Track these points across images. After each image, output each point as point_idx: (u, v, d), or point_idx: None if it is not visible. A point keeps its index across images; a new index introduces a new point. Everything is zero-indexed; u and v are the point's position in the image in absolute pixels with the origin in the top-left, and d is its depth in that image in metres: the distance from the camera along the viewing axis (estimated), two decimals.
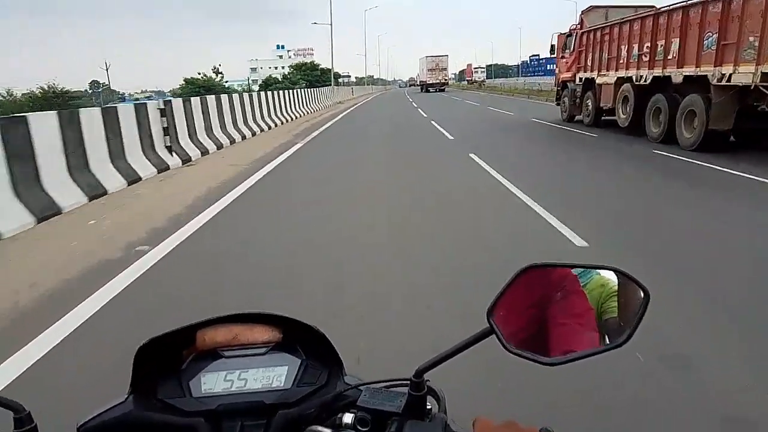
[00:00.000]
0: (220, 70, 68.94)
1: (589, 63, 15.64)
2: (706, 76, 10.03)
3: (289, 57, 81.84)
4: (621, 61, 13.59)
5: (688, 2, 10.80)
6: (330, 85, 63.39)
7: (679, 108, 10.97)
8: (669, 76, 11.38)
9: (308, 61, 79.12)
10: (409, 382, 0.74)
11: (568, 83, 17.21)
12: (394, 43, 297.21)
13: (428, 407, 0.74)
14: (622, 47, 13.50)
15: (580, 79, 16.28)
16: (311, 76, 71.22)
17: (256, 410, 0.74)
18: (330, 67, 74.67)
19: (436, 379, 0.75)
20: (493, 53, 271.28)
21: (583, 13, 16.35)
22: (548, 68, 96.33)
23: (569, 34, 17.61)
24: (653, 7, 15.04)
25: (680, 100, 11.08)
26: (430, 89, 62.94)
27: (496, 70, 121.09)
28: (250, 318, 0.80)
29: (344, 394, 0.77)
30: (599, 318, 0.73)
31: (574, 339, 0.72)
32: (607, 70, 14.32)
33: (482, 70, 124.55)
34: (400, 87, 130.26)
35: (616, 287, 0.74)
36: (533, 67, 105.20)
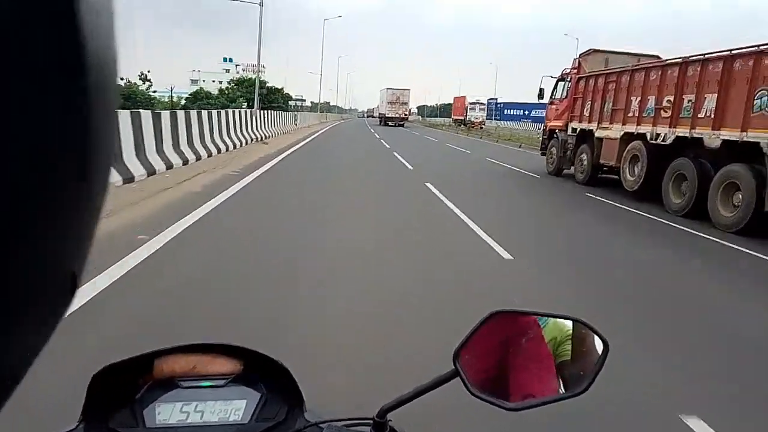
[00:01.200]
0: (148, 77, 58.16)
1: (585, 112, 13.72)
2: (759, 143, 8.05)
3: (237, 72, 71.17)
4: (630, 114, 11.65)
5: (733, 51, 8.90)
6: (279, 107, 58.30)
7: (714, 178, 8.95)
8: (699, 138, 9.40)
9: (252, 76, 69.37)
10: (372, 421, 0.75)
11: (557, 132, 15.25)
12: (353, 69, 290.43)
13: None
14: (633, 98, 11.57)
15: (574, 129, 14.33)
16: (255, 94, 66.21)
17: None
18: (280, 87, 67.41)
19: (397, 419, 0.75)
20: (441, 93, 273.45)
21: (581, 56, 14.53)
22: (506, 113, 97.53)
23: (561, 78, 15.76)
24: (657, 57, 13.46)
25: (714, 168, 9.09)
26: (389, 123, 60.61)
27: (446, 110, 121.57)
28: (211, 348, 0.78)
29: (304, 431, 0.75)
30: (555, 361, 0.76)
31: (534, 385, 0.76)
32: (611, 123, 12.36)
33: (482, 106, 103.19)
34: (358, 117, 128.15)
35: (570, 332, 0.77)
36: (490, 109, 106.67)
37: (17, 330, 0.22)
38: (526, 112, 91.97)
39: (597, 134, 12.89)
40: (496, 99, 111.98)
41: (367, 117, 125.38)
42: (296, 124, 33.98)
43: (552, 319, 0.78)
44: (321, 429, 0.76)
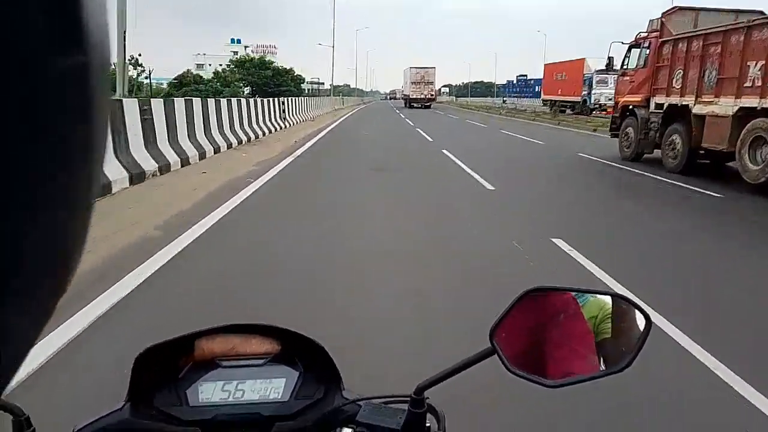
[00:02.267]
0: (139, 62, 49.14)
1: (675, 84, 11.19)
2: None
3: (247, 55, 62.91)
4: (748, 84, 9.13)
5: None
6: (288, 92, 50.31)
7: None
8: None
9: (257, 56, 58.22)
10: (409, 399, 0.75)
11: (635, 109, 12.73)
12: (372, 49, 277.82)
13: (428, 425, 0.75)
14: (751, 64, 9.06)
15: (658, 105, 11.83)
16: (259, 77, 52.69)
17: (253, 422, 0.74)
18: (289, 68, 58.15)
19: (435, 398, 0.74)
20: (470, 72, 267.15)
21: (664, 15, 11.92)
22: (536, 90, 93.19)
23: (635, 44, 13.20)
24: (761, 12, 10.89)
25: None
26: (414, 104, 57.27)
27: (476, 89, 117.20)
28: (249, 329, 0.79)
29: (342, 408, 0.76)
30: (595, 339, 0.75)
31: (574, 362, 0.74)
32: (717, 96, 9.85)
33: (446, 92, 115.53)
34: (381, 100, 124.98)
35: (610, 309, 0.75)
36: (520, 87, 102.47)
37: (11, 321, 0.23)
38: (495, 91, 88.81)
39: (695, 110, 10.39)
40: (526, 75, 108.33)
41: (390, 99, 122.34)
42: (288, 119, 20.31)
43: (592, 297, 0.77)
44: (359, 406, 0.77)
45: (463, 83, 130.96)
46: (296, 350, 0.78)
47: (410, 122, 28.08)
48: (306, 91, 40.95)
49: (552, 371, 0.73)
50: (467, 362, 0.73)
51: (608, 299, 0.76)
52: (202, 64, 73.68)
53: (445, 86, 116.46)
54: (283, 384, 0.76)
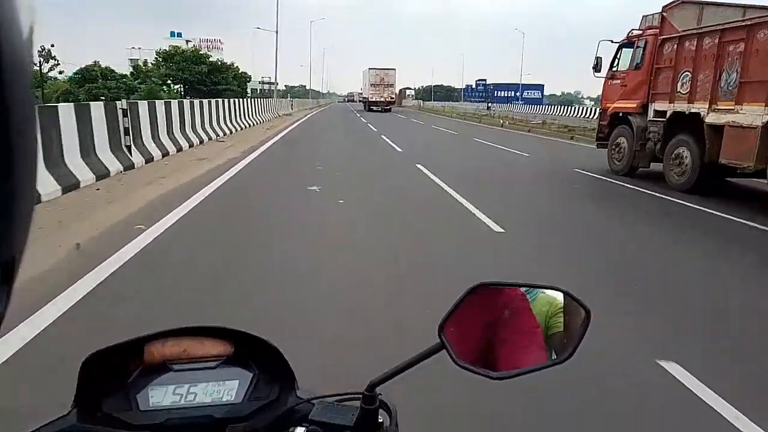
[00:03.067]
0: (52, 54, 40.81)
1: (681, 88, 9.56)
2: None
3: (178, 47, 55.21)
4: None
5: None
6: (227, 91, 44.54)
7: None
8: None
9: (189, 48, 50.35)
10: (361, 395, 0.75)
11: (629, 117, 11.08)
12: (330, 45, 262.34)
13: (380, 420, 0.75)
14: None
15: (659, 112, 10.19)
16: (191, 73, 45.41)
17: (205, 424, 0.72)
18: (230, 63, 52.18)
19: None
20: (433, 75, 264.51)
21: (665, 9, 10.29)
22: (496, 95, 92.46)
23: (627, 43, 11.59)
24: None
25: None
26: (373, 108, 55.22)
27: (437, 92, 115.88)
28: (201, 331, 0.77)
29: (296, 408, 0.76)
30: (546, 332, 0.76)
31: (522, 355, 0.76)
32: (740, 103, 8.22)
33: (411, 96, 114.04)
34: (339, 102, 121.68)
35: (562, 304, 0.77)
36: (479, 91, 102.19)
37: None
38: (517, 94, 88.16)
39: (709, 119, 8.75)
40: (485, 80, 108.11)
41: (348, 101, 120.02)
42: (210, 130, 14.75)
43: (542, 291, 0.78)
44: (312, 405, 0.77)
45: (423, 87, 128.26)
46: (250, 352, 0.78)
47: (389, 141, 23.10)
48: (257, 92, 36.12)
49: (501, 365, 0.75)
50: (417, 358, 0.74)
51: (560, 295, 0.77)
52: (136, 59, 64.17)
53: (409, 89, 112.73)
54: (236, 386, 0.75)
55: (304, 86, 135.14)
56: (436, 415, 2.43)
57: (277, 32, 38.14)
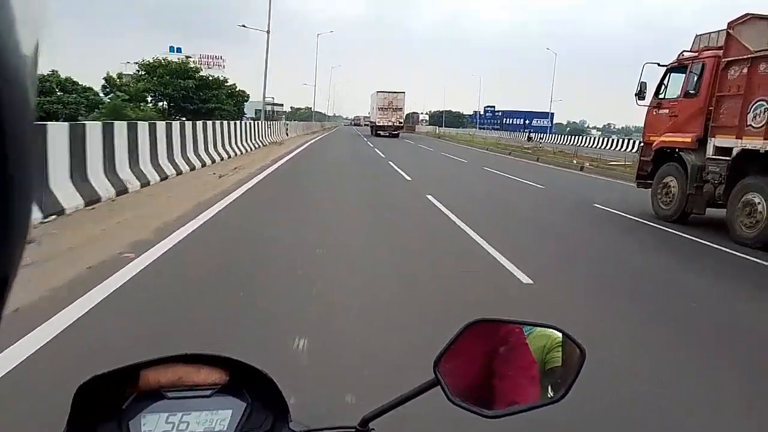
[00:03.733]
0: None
1: (755, 121, 7.80)
2: None
3: (163, 59, 48.07)
4: None
5: None
6: (217, 110, 39.34)
7: None
8: None
9: (177, 60, 43.62)
10: (354, 430, 0.75)
11: (682, 154, 9.31)
12: (338, 67, 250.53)
13: None
14: None
15: (722, 149, 8.41)
16: (176, 88, 39.53)
17: None
18: (223, 79, 46.13)
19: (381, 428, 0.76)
20: (445, 100, 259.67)
21: (732, 26, 8.58)
22: (504, 122, 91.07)
23: (677, 67, 9.89)
24: None
25: None
26: (381, 132, 51.73)
27: (449, 119, 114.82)
28: (197, 359, 0.76)
29: None
30: (543, 367, 0.76)
31: (518, 391, 0.75)
32: None
33: (425, 121, 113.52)
34: (345, 125, 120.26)
35: (560, 339, 0.77)
36: (487, 118, 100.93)
37: None
38: (527, 121, 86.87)
39: None
40: (494, 107, 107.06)
41: (354, 125, 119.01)
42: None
43: (540, 328, 0.78)
44: None
45: (431, 112, 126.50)
46: (244, 381, 0.77)
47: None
48: (262, 113, 32.00)
49: (496, 400, 0.75)
50: (411, 394, 0.75)
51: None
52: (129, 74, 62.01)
53: (422, 113, 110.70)
54: (229, 416, 0.74)
55: (310, 108, 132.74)
56: None
57: (268, 32, 30.13)
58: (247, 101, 51.21)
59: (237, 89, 47.89)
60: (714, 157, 8.55)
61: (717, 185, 8.45)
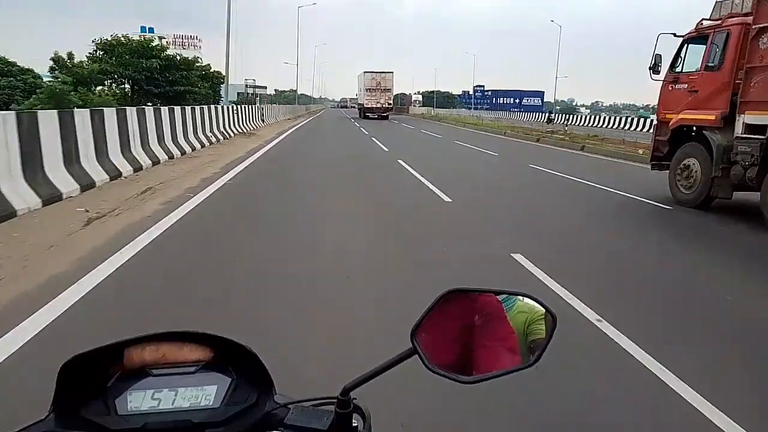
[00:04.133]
0: None
1: None
2: None
3: (126, 37, 40.67)
4: None
5: None
6: (187, 93, 36.16)
7: None
8: None
9: (138, 38, 39.07)
10: (336, 400, 0.77)
11: (706, 132, 8.48)
12: (322, 45, 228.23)
13: (354, 424, 0.77)
14: None
15: (753, 127, 7.60)
16: (137, 68, 35.40)
17: (183, 429, 0.72)
18: (192, 58, 42.18)
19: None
20: (436, 81, 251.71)
21: None
22: (494, 101, 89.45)
23: (696, 37, 9.04)
24: None
25: None
26: (369, 115, 50.61)
27: (439, 99, 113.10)
28: (180, 336, 0.77)
29: (272, 413, 0.77)
30: (525, 339, 0.78)
31: (497, 360, 0.77)
32: None
33: (418, 102, 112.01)
34: (332, 108, 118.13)
35: (543, 312, 0.79)
36: (478, 98, 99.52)
37: None
38: (517, 101, 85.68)
39: None
40: (483, 86, 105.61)
41: (341, 108, 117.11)
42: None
43: (519, 299, 0.81)
44: (289, 409, 0.78)
45: (422, 91, 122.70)
46: (228, 357, 0.77)
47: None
48: (243, 96, 28.91)
49: (475, 369, 0.77)
50: (390, 362, 0.77)
51: (538, 303, 0.80)
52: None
53: (415, 94, 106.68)
54: (215, 391, 0.74)
55: (295, 90, 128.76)
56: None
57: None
58: (223, 83, 48.97)
59: (212, 70, 44.05)
60: (744, 135, 7.73)
61: (748, 167, 7.65)
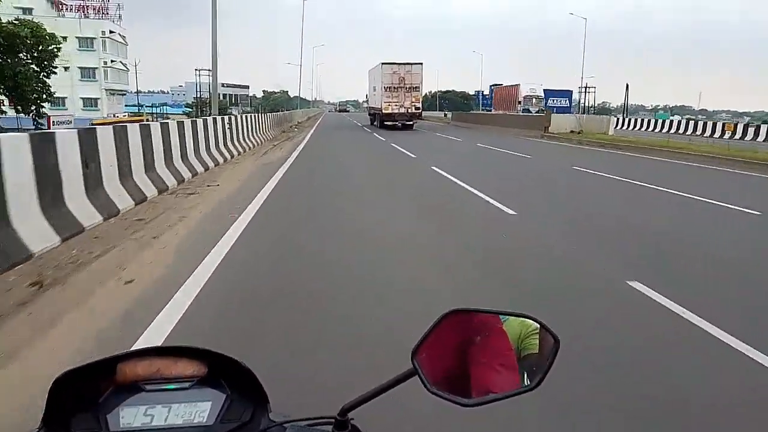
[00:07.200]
0: None
1: None
2: None
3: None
4: None
5: None
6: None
7: None
8: None
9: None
10: (333, 420, 0.75)
11: None
12: (320, 44, 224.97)
13: None
14: None
15: None
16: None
17: None
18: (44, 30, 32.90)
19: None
20: (438, 80, 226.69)
21: None
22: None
23: None
24: None
25: None
26: (387, 122, 37.82)
27: (453, 100, 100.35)
28: (175, 351, 0.76)
29: (268, 431, 0.75)
30: (519, 354, 0.77)
31: (495, 379, 0.75)
32: None
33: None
34: (329, 112, 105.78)
35: (536, 326, 0.77)
36: (488, 100, 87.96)
37: None
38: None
39: None
40: (501, 85, 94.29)
41: (340, 111, 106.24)
42: None
43: (515, 317, 0.78)
44: (284, 429, 0.75)
45: (434, 92, 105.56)
46: (223, 373, 0.76)
47: None
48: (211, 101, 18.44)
49: (474, 388, 0.75)
50: (390, 383, 0.75)
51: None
52: None
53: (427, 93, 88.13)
54: (209, 407, 0.73)
55: (287, 92, 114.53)
56: None
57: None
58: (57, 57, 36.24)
59: (44, 34, 30.37)
60: None
61: None
